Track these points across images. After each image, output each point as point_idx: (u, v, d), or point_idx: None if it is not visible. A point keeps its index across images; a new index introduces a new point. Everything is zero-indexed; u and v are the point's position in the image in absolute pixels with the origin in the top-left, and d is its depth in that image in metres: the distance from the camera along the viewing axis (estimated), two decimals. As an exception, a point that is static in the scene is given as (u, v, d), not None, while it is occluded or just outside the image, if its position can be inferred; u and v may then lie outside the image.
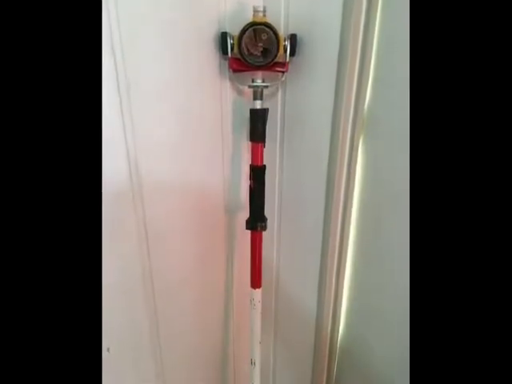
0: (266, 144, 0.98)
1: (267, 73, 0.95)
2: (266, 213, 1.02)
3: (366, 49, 0.84)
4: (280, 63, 0.93)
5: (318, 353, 1.20)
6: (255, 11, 0.87)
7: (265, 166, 0.99)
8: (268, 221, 1.04)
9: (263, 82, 0.95)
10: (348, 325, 1.13)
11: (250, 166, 0.99)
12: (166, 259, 1.08)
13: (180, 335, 1.21)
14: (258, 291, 1.10)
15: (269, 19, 0.87)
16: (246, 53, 0.89)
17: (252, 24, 0.86)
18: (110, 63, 0.82)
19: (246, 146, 1.09)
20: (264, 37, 0.88)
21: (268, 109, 0.97)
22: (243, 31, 0.87)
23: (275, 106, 1.03)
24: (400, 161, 0.83)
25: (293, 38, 0.90)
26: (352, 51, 0.85)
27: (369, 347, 1.06)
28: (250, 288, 1.10)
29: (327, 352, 1.18)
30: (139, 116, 0.90)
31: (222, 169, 1.09)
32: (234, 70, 0.95)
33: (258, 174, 0.98)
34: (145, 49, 0.87)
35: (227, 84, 1.01)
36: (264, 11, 0.87)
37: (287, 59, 0.92)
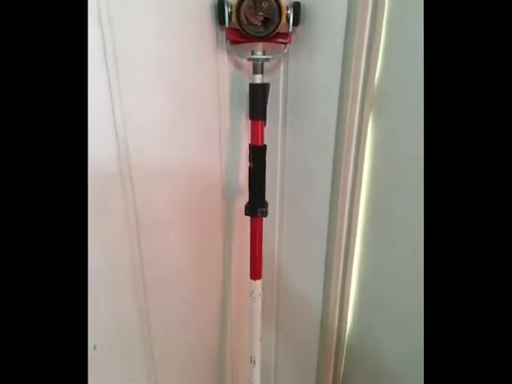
0: (267, 122, 0.97)
1: (268, 44, 0.95)
2: (267, 197, 1.03)
3: (377, 16, 0.84)
4: (282, 34, 0.93)
5: (324, 349, 1.21)
6: (255, -24, 0.86)
7: (265, 145, 0.98)
8: (269, 206, 1.04)
9: (264, 54, 0.94)
10: (356, 318, 1.14)
11: (250, 145, 0.98)
12: (158, 248, 1.09)
13: (173, 331, 1.22)
14: (259, 283, 1.10)
15: (270, -15, 0.87)
16: (245, 22, 0.89)
17: (252, -10, 0.86)
18: (97, 34, 0.82)
19: (245, 124, 1.09)
20: (265, 5, 0.87)
21: (269, 84, 0.97)
22: (242, -1, 0.86)
23: (277, 81, 1.03)
24: (413, 138, 0.83)
25: (296, 7, 0.90)
26: (361, 19, 0.85)
27: (379, 342, 1.07)
28: (249, 279, 1.10)
29: (333, 348, 1.19)
30: (129, 92, 0.90)
31: (218, 149, 1.09)
32: (232, 42, 0.95)
33: (258, 154, 0.98)
34: (134, 18, 0.86)
35: (225, 57, 1.00)
36: (264, -24, 0.86)
37: (290, 29, 0.92)
